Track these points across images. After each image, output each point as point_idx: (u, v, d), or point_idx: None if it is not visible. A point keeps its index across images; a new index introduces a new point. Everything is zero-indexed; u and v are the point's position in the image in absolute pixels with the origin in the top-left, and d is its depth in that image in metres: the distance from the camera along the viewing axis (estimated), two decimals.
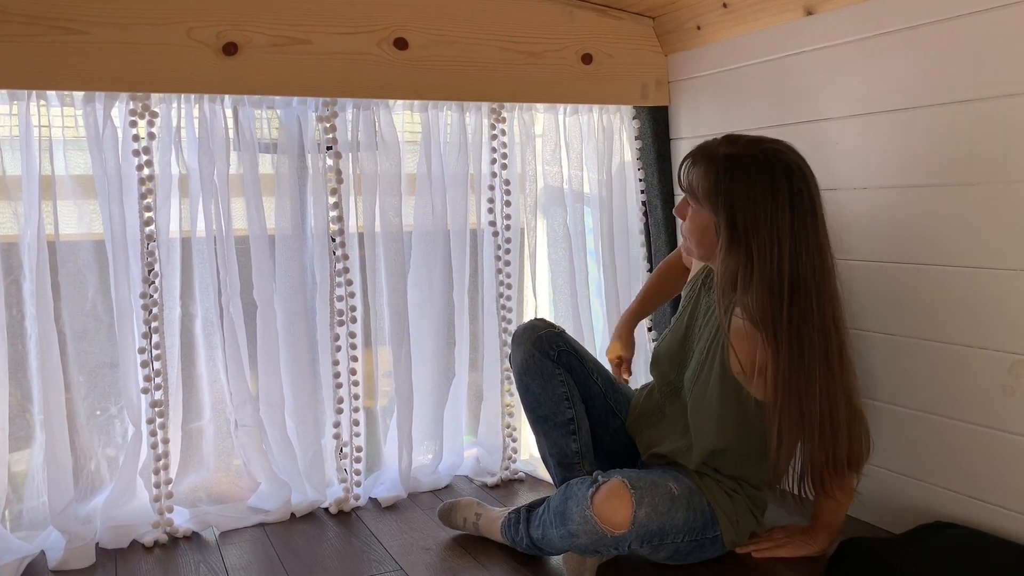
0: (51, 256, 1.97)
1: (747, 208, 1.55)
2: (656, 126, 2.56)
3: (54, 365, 1.96)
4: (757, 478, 1.82)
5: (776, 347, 1.55)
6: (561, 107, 2.49)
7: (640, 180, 2.59)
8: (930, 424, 1.87)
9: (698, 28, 2.34)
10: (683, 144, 2.52)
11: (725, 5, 2.20)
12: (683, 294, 1.95)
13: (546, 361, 1.89)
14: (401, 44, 2.19)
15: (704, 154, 1.64)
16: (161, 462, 2.06)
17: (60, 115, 2.01)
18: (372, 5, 2.16)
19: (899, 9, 1.83)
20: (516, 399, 2.43)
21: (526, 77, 2.35)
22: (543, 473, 2.30)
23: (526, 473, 2.48)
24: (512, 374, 2.03)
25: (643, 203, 2.59)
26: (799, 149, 1.67)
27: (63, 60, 1.89)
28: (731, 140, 1.66)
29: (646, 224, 2.60)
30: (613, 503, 1.61)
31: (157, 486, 2.06)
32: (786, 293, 1.54)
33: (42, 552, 1.97)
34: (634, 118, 2.58)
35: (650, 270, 2.59)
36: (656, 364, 1.93)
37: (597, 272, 2.59)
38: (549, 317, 2.39)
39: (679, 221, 1.77)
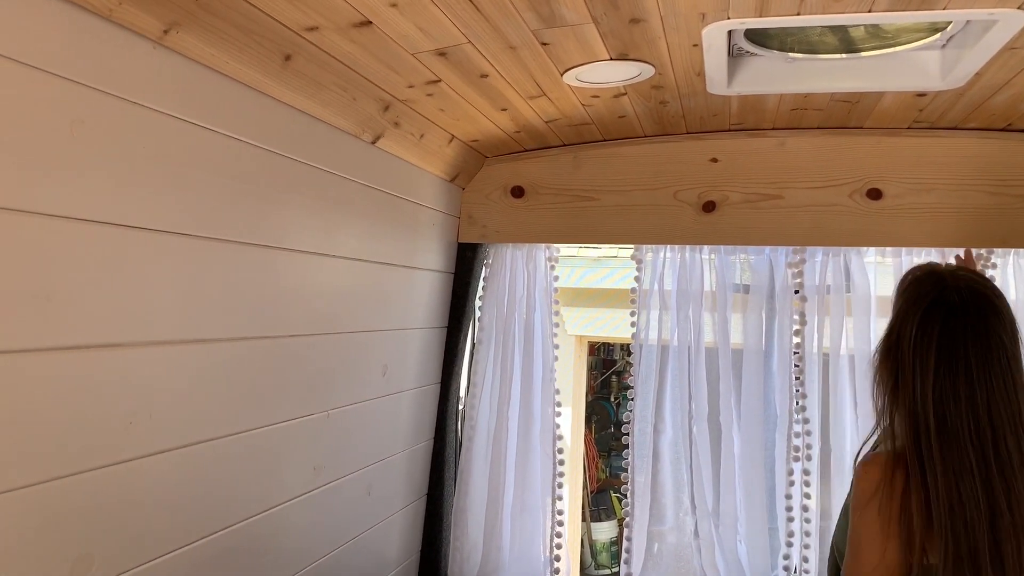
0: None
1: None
2: None
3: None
4: None
5: None
6: None
7: None
8: None
9: None
10: None
11: None
12: None
13: None
14: (874, 194, 2.24)
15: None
16: (624, 557, 2.40)
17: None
18: (845, 160, 2.26)
19: None
20: None
21: (1022, 221, 2.17)
22: None
23: None
24: None
25: None
26: None
27: (580, 221, 2.42)
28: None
29: None
30: None
31: None
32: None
33: None
34: None
35: None
36: None
37: None
38: None
39: None
